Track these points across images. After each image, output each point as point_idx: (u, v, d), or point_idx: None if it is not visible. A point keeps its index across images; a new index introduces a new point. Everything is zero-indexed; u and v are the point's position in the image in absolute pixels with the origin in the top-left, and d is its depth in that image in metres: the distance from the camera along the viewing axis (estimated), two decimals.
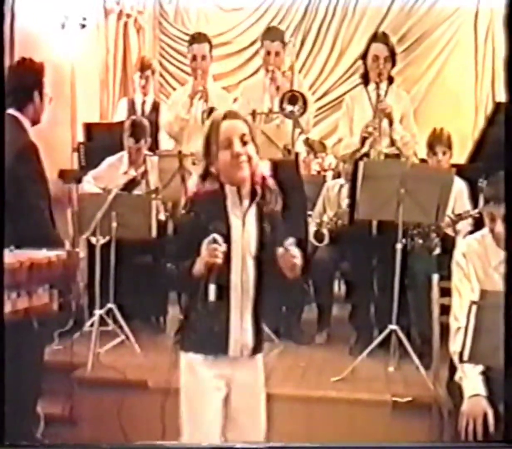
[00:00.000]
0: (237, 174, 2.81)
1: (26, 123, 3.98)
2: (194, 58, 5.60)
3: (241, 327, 2.88)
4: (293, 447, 3.41)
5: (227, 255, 2.79)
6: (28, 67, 4.04)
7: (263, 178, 2.90)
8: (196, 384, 2.97)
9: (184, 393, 3.03)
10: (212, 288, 2.72)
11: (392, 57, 5.22)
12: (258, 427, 3.03)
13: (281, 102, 4.92)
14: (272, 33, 5.52)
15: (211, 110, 5.41)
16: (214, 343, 2.89)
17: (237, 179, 2.83)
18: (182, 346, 2.99)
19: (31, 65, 4.05)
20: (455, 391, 3.51)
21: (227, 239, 2.80)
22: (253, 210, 2.90)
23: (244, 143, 2.82)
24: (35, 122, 4.05)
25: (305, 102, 4.88)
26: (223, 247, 2.72)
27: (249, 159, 2.82)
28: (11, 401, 3.75)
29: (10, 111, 3.97)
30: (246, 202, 2.89)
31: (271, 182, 2.94)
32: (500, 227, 3.52)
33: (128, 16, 8.34)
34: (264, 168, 2.94)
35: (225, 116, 2.87)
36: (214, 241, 2.71)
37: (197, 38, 5.69)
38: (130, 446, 3.66)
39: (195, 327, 2.93)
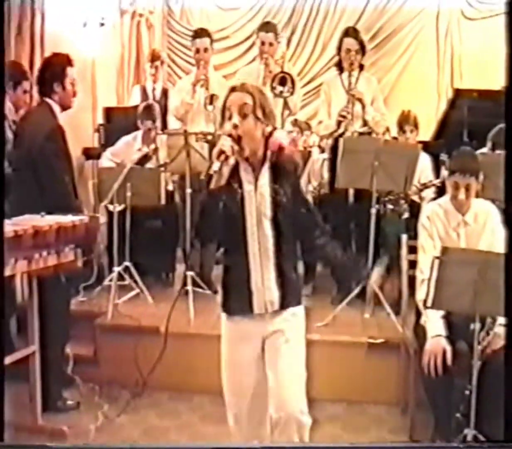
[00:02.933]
0: (236, 144, 2.60)
1: (56, 108, 3.95)
2: (197, 51, 5.53)
3: (263, 285, 2.70)
4: (293, 447, 3.37)
5: (242, 219, 2.67)
6: (58, 61, 3.99)
7: (280, 147, 2.71)
8: (232, 342, 2.80)
9: (225, 357, 2.83)
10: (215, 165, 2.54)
11: (362, 49, 5.17)
12: (297, 391, 2.73)
13: (272, 82, 4.85)
14: (266, 26, 5.46)
15: (212, 97, 5.35)
16: (240, 303, 2.73)
17: (240, 145, 2.62)
18: (222, 306, 2.81)
19: (60, 59, 4.01)
20: (420, 333, 3.53)
21: (242, 204, 2.67)
22: (266, 175, 2.71)
23: (244, 115, 2.62)
24: (65, 107, 4.00)
25: (293, 84, 4.83)
26: (228, 141, 2.56)
27: (246, 131, 2.62)
28: (44, 344, 3.80)
29: (44, 98, 3.95)
30: (258, 168, 2.71)
31: (288, 150, 2.74)
32: (462, 194, 3.52)
33: (141, 15, 8.25)
34: (281, 137, 2.76)
35: (233, 89, 2.68)
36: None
37: (200, 33, 5.62)
38: (130, 446, 3.56)
39: (228, 291, 2.79)
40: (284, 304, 2.75)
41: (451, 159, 3.70)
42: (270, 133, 2.72)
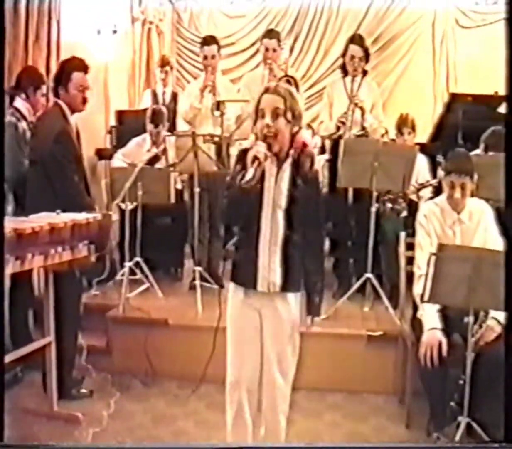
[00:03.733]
0: (268, 142, 2.74)
1: (67, 110, 3.93)
2: (205, 57, 5.51)
3: (269, 267, 2.82)
4: (293, 447, 3.36)
5: (260, 206, 2.79)
6: (66, 65, 3.99)
7: (304, 145, 2.84)
8: (237, 308, 2.94)
9: (229, 315, 2.97)
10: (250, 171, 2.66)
11: (366, 56, 5.14)
12: (283, 364, 2.91)
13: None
14: (270, 33, 5.46)
15: (218, 103, 5.35)
16: (247, 277, 2.86)
17: (270, 145, 2.74)
18: (231, 277, 2.95)
19: (68, 64, 4.00)
20: (417, 326, 3.53)
21: (261, 193, 2.79)
22: (287, 171, 2.82)
23: (276, 116, 2.74)
24: (73, 110, 3.93)
25: (297, 87, 4.81)
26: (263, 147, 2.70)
27: (277, 131, 2.74)
28: (59, 335, 3.82)
29: (57, 100, 3.94)
30: (281, 164, 2.82)
31: (310, 148, 2.89)
32: (458, 193, 3.53)
33: (151, 23, 8.27)
34: (305, 136, 2.91)
35: (266, 90, 2.81)
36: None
37: (208, 40, 5.58)
38: (130, 446, 3.57)
39: (236, 263, 2.92)
40: (285, 287, 2.86)
41: (447, 160, 3.72)
42: (296, 132, 2.83)
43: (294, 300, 2.92)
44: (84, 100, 3.93)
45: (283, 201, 2.81)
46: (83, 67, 3.91)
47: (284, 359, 2.92)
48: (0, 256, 2.63)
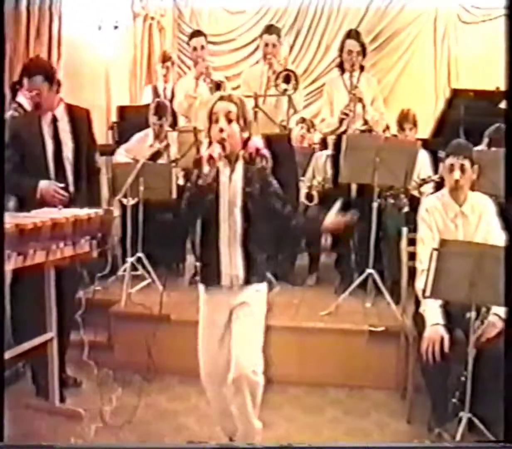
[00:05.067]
0: (221, 144, 2.90)
1: None
2: (194, 48, 5.60)
3: (230, 262, 3.00)
4: (293, 447, 3.35)
5: (216, 206, 2.97)
6: None
7: (257, 149, 3.03)
8: (206, 305, 3.12)
9: (200, 320, 3.14)
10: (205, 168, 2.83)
11: (363, 51, 5.14)
12: (252, 354, 3.00)
13: (276, 79, 4.82)
14: (270, 29, 5.44)
15: (218, 84, 5.34)
16: (211, 275, 3.03)
17: (223, 147, 2.90)
18: (200, 279, 3.14)
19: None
20: (419, 321, 3.51)
21: (217, 193, 2.96)
22: (239, 170, 3.00)
23: (229, 121, 2.93)
24: None
25: (297, 81, 4.79)
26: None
27: (230, 135, 2.92)
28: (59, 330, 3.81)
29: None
30: (233, 165, 3.00)
31: (264, 152, 3.07)
32: (457, 175, 3.55)
33: (152, 18, 8.26)
34: (257, 142, 3.06)
35: (220, 98, 2.98)
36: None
37: (195, 33, 5.70)
38: (131, 446, 3.54)
39: (203, 266, 3.11)
40: (249, 280, 3.03)
41: (447, 148, 3.70)
42: (248, 138, 3.03)
43: (260, 290, 3.07)
44: None
45: (238, 200, 2.99)
46: None
47: (253, 349, 3.01)
48: (0, 253, 2.60)
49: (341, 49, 5.18)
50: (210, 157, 2.85)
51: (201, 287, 3.13)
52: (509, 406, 2.88)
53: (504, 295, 2.93)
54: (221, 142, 2.90)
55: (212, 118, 2.95)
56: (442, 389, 3.31)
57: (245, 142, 3.02)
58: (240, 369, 2.94)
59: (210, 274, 3.04)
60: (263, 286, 3.10)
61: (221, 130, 2.91)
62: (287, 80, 4.77)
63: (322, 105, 5.70)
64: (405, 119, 5.13)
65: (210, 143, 2.97)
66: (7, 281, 3.98)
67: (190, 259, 5.55)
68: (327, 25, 8.86)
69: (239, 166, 3.01)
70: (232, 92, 3.20)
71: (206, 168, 2.83)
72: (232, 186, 2.99)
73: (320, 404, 4.00)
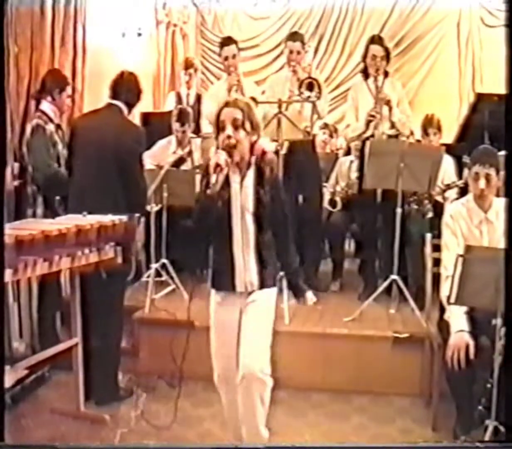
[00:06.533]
0: (229, 152, 2.91)
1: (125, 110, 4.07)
2: (226, 58, 5.56)
3: (244, 268, 3.01)
4: (293, 447, 3.35)
5: (228, 213, 2.97)
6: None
7: (263, 152, 3.03)
8: (217, 310, 3.13)
9: (212, 324, 3.16)
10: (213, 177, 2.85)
11: (387, 56, 5.12)
12: (260, 353, 2.99)
13: (300, 87, 4.82)
14: (294, 36, 5.41)
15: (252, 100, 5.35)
16: (225, 281, 3.05)
17: (231, 154, 2.91)
18: (211, 285, 3.15)
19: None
20: (444, 328, 3.50)
21: (228, 200, 2.96)
22: (251, 176, 3.00)
23: (236, 128, 2.92)
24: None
25: (320, 89, 4.78)
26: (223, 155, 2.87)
27: (238, 141, 2.91)
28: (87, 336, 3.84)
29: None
30: (244, 171, 3.00)
31: (269, 155, 3.07)
32: (483, 184, 3.51)
33: (175, 25, 8.27)
34: (264, 144, 3.09)
35: (226, 104, 2.97)
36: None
37: (227, 41, 5.66)
38: (132, 446, 3.57)
39: (215, 272, 3.12)
40: (262, 284, 3.05)
41: (472, 154, 3.68)
42: (255, 141, 3.02)
43: (270, 294, 3.10)
44: None
45: (250, 205, 2.99)
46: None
47: (262, 352, 3.00)
48: (0, 260, 2.63)
49: (365, 55, 5.17)
50: (217, 165, 2.85)
51: (213, 292, 3.15)
52: (509, 406, 2.86)
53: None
54: (229, 149, 2.91)
55: (219, 125, 2.95)
56: (468, 396, 3.30)
57: (252, 145, 3.02)
58: (247, 368, 2.94)
59: (224, 280, 3.05)
60: (274, 289, 3.13)
61: (229, 137, 2.91)
62: (310, 87, 4.76)
63: (346, 110, 5.69)
64: (429, 124, 5.11)
65: (217, 150, 2.96)
66: (34, 287, 4.06)
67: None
68: (350, 30, 8.82)
69: (250, 172, 3.01)
70: (238, 96, 3.25)
71: (213, 178, 2.85)
72: (243, 192, 2.99)
73: (344, 410, 4.00)
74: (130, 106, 4.10)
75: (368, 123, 4.99)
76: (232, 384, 3.07)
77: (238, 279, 3.03)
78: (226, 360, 3.09)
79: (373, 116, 4.95)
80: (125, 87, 4.07)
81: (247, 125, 2.95)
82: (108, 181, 3.84)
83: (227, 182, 2.96)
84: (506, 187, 3.13)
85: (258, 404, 2.98)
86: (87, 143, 3.93)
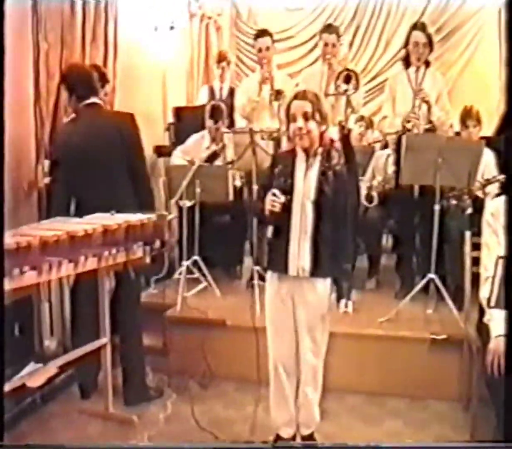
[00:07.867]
0: (299, 142, 3.08)
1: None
2: (260, 50, 5.48)
3: (298, 254, 3.08)
4: (294, 447, 3.31)
5: (290, 200, 3.05)
6: None
7: (331, 141, 3.15)
8: (272, 295, 3.21)
9: (267, 301, 3.25)
10: (270, 229, 3.07)
11: (429, 43, 4.94)
12: (314, 343, 3.16)
13: (337, 80, 4.67)
14: (329, 28, 5.33)
15: (278, 92, 5.25)
16: (280, 263, 3.12)
17: (300, 145, 3.08)
18: (267, 264, 3.27)
19: None
20: (483, 331, 3.35)
21: (291, 187, 3.07)
22: (316, 166, 3.10)
23: (306, 119, 3.04)
24: None
25: (358, 81, 4.63)
26: (281, 199, 2.99)
27: (309, 132, 3.04)
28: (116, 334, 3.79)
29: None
30: (311, 159, 3.11)
31: (337, 144, 3.18)
32: None
33: (209, 18, 8.17)
34: (333, 133, 3.23)
35: (295, 96, 3.10)
36: (274, 194, 3.00)
37: (261, 33, 5.56)
38: (133, 446, 3.49)
39: (271, 253, 3.20)
40: (314, 272, 3.11)
41: None
42: (324, 131, 3.13)
43: (323, 285, 3.15)
44: None
45: (312, 194, 3.07)
46: None
47: (315, 340, 3.16)
48: (0, 264, 2.55)
49: (406, 42, 4.99)
50: (272, 213, 3.00)
51: (269, 275, 3.23)
52: (509, 406, 2.76)
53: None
54: (300, 139, 3.05)
55: (289, 117, 3.08)
56: (509, 403, 3.14)
57: (321, 135, 3.11)
58: (302, 353, 3.15)
59: (278, 264, 3.14)
60: (328, 281, 3.16)
61: (300, 129, 3.03)
62: (347, 80, 4.60)
63: (383, 101, 5.53)
64: (468, 116, 4.94)
65: (288, 140, 3.16)
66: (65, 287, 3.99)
67: (247, 261, 5.48)
68: (387, 21, 8.64)
69: (316, 161, 3.11)
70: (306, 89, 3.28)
71: (280, 166, 3.09)
72: (307, 180, 3.09)
73: (379, 414, 3.87)
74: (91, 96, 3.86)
75: (405, 124, 4.83)
76: (287, 371, 3.24)
77: (292, 264, 3.10)
78: (282, 348, 3.22)
79: (409, 121, 4.80)
80: (76, 80, 3.86)
81: (317, 116, 3.05)
82: (118, 177, 3.81)
83: (293, 169, 3.11)
84: (506, 187, 2.98)
85: (311, 388, 3.25)
86: (82, 149, 3.80)
